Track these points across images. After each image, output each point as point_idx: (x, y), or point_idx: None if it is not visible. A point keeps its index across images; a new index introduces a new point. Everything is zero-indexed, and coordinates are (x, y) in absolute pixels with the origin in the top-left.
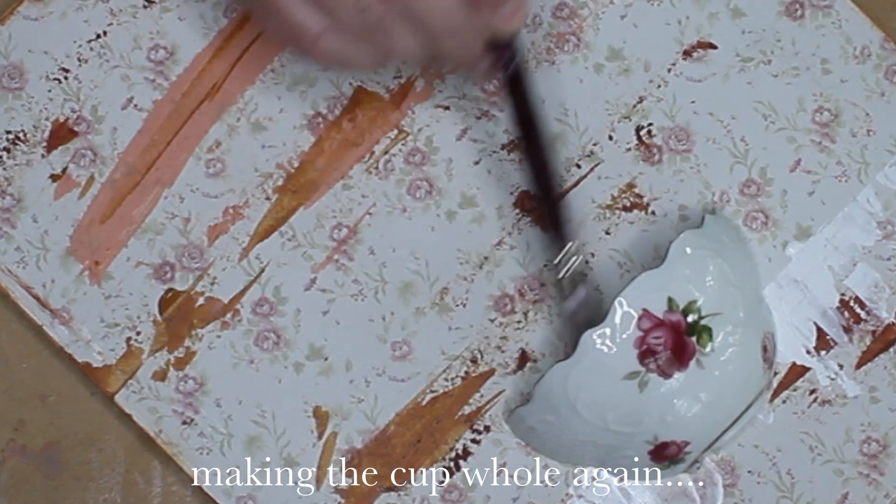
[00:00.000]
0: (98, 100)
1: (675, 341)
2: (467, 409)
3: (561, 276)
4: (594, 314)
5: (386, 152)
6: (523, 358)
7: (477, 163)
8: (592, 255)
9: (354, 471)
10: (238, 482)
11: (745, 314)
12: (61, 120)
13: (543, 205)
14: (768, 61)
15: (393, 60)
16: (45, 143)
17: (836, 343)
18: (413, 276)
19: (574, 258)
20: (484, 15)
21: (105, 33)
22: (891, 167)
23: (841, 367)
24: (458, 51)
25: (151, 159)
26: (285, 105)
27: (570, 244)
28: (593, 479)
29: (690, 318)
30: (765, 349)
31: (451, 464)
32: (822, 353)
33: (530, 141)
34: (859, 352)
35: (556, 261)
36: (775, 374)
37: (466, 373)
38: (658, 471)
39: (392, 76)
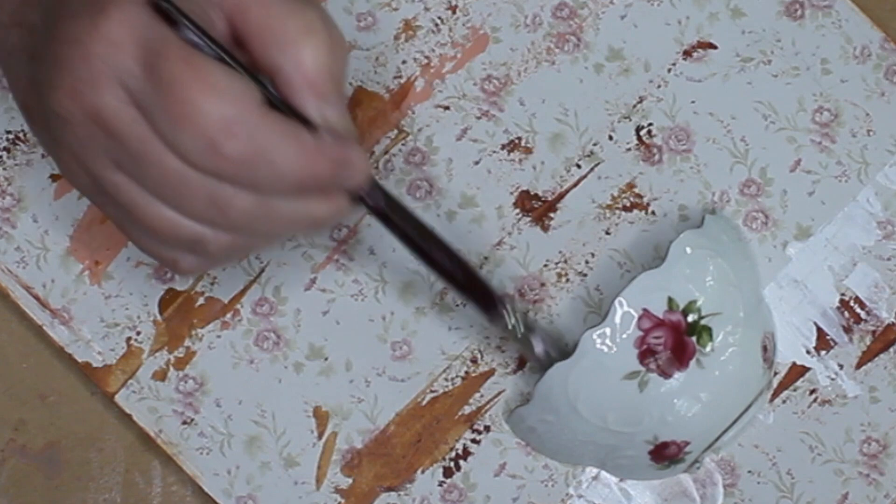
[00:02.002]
0: None
1: (675, 341)
2: (467, 409)
3: (519, 335)
4: (560, 344)
5: (386, 152)
6: (523, 358)
7: (477, 163)
8: (592, 255)
9: (354, 471)
10: (238, 482)
11: (745, 314)
12: None
13: (463, 293)
14: (768, 61)
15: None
16: None
17: (836, 343)
18: (413, 276)
19: (517, 314)
20: (328, 191)
21: None
22: (891, 167)
23: (841, 367)
24: (326, 226)
25: None
26: None
27: (507, 307)
28: (593, 478)
29: (690, 318)
30: (765, 349)
31: (451, 464)
32: (822, 353)
33: (425, 253)
34: (859, 352)
35: (507, 328)
36: (775, 374)
37: (466, 373)
38: (658, 471)
39: (392, 76)
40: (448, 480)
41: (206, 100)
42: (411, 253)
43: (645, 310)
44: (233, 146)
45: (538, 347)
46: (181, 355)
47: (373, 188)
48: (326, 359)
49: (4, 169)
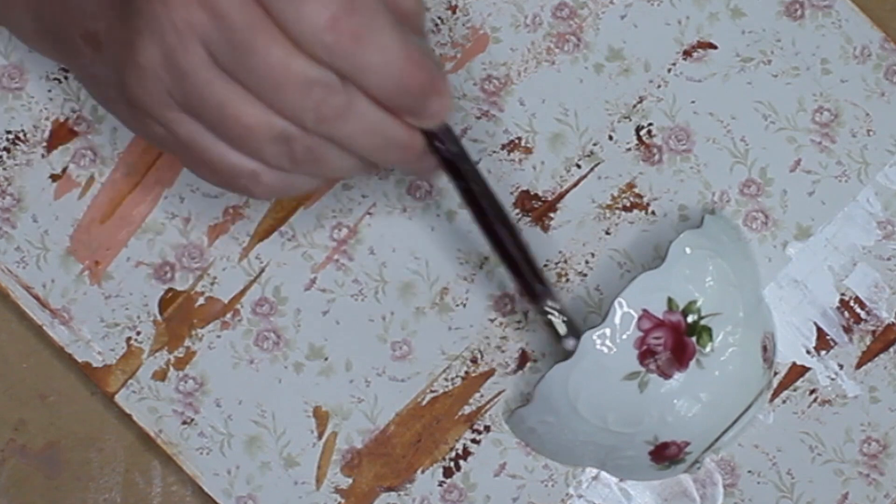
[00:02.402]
0: None
1: (675, 341)
2: (467, 409)
3: (564, 332)
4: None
5: None
6: (523, 358)
7: (477, 162)
8: (592, 255)
9: (354, 471)
10: (238, 482)
11: (745, 314)
12: (61, 120)
13: (512, 269)
14: (768, 61)
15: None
16: (45, 143)
17: (836, 343)
18: (413, 276)
19: (559, 305)
20: (410, 117)
21: None
22: (891, 167)
23: (841, 367)
24: (395, 159)
25: (151, 159)
26: None
27: (552, 299)
28: (593, 479)
29: (690, 319)
30: (765, 349)
31: (451, 464)
32: (822, 353)
33: (488, 220)
34: (859, 352)
35: (544, 315)
36: (775, 374)
37: (466, 373)
38: (658, 471)
39: None
40: (448, 480)
41: None
42: (470, 212)
43: (645, 310)
44: (353, 21)
45: (570, 342)
46: (181, 355)
47: (447, 134)
48: (326, 359)
49: (4, 169)
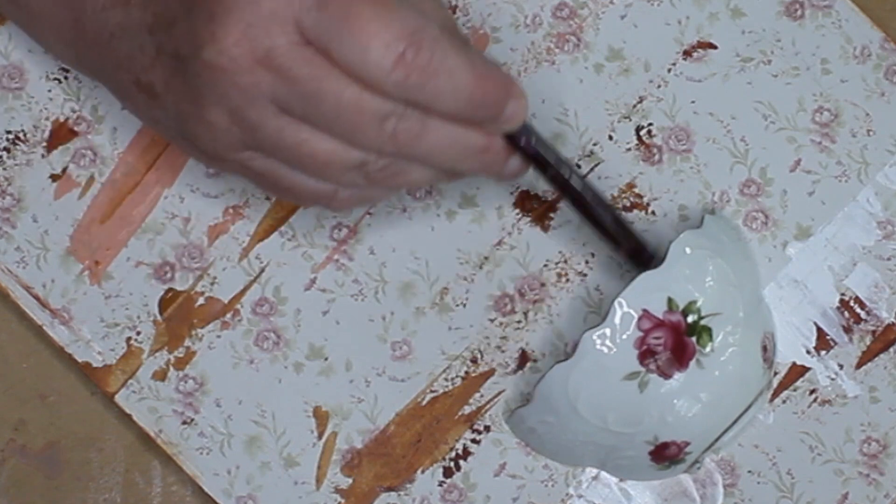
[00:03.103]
0: (98, 100)
1: (675, 341)
2: (467, 409)
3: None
4: None
5: None
6: (523, 358)
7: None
8: (592, 255)
9: (354, 471)
10: (238, 482)
11: (745, 314)
12: (61, 120)
13: (614, 243)
14: (768, 61)
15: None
16: (45, 143)
17: (836, 343)
18: (413, 276)
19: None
20: (487, 126)
21: None
22: (891, 167)
23: (841, 367)
24: (476, 167)
25: (151, 159)
26: None
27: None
28: (593, 478)
29: (690, 319)
30: (765, 349)
31: (451, 464)
32: (822, 353)
33: (585, 203)
34: (859, 352)
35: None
36: (775, 374)
37: (466, 373)
38: (658, 471)
39: None
40: (448, 480)
41: (389, 16)
42: (564, 198)
43: (645, 310)
44: (419, 56)
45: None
46: (181, 355)
47: (526, 129)
48: (326, 359)
49: (4, 169)
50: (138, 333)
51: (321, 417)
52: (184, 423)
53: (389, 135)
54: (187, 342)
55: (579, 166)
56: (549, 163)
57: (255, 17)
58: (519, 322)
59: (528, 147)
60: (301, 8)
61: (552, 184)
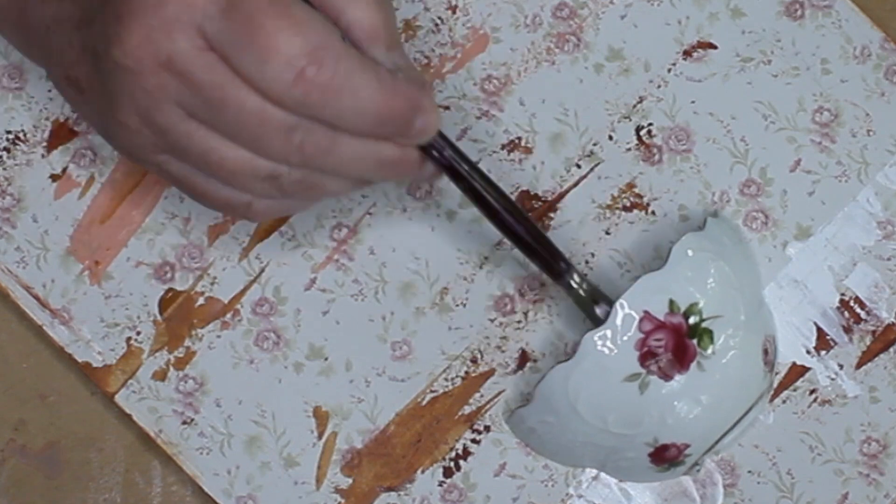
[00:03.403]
0: None
1: (676, 343)
2: (467, 409)
3: (584, 294)
4: None
5: None
6: (523, 358)
7: (477, 162)
8: (592, 255)
9: (354, 471)
10: (238, 482)
11: (747, 317)
12: (61, 120)
13: (529, 252)
14: (768, 61)
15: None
16: (45, 143)
17: (836, 343)
18: (413, 276)
19: (581, 276)
20: (398, 140)
21: None
22: (891, 167)
23: (841, 367)
24: (392, 176)
25: None
26: None
27: (572, 270)
28: (593, 479)
29: (692, 321)
30: (766, 352)
31: (451, 464)
32: (822, 353)
33: (497, 213)
34: (859, 352)
35: (570, 288)
36: (776, 374)
37: (466, 373)
38: (658, 473)
39: None
40: (448, 480)
41: (292, 30)
42: (479, 209)
43: (646, 312)
44: (320, 73)
45: (600, 310)
46: (181, 355)
47: (440, 140)
48: (326, 359)
49: (4, 169)
50: (138, 333)
51: (321, 417)
52: (184, 423)
53: (296, 147)
54: (187, 342)
55: (579, 166)
56: (462, 174)
57: (159, 20)
58: (519, 322)
59: (441, 159)
60: (204, 15)
61: (466, 194)
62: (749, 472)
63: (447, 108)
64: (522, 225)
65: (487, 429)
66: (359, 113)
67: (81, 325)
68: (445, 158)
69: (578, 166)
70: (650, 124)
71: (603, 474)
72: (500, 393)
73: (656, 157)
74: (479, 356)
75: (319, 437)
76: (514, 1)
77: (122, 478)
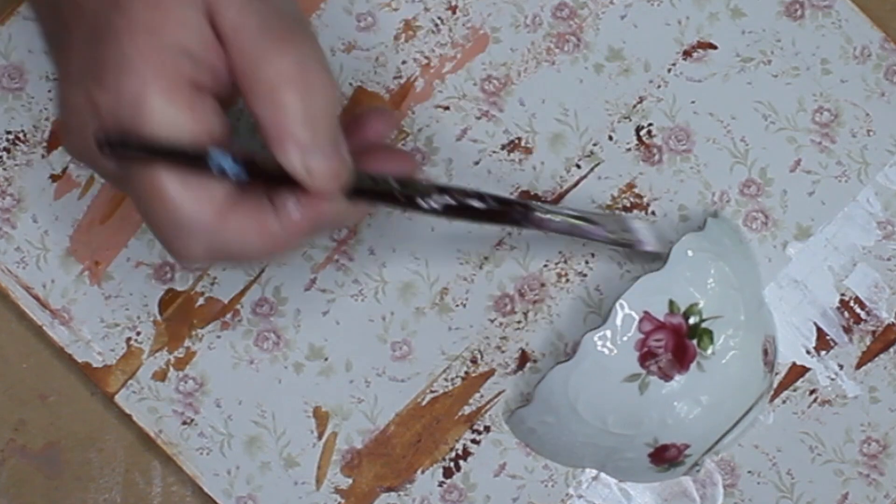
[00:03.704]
0: None
1: (676, 344)
2: (467, 409)
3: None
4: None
5: None
6: (523, 358)
7: (477, 163)
8: (592, 255)
9: (354, 471)
10: (238, 482)
11: (746, 317)
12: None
13: (505, 218)
14: (768, 61)
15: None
16: (45, 143)
17: (836, 343)
18: (413, 276)
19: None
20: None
21: None
22: (891, 167)
23: (841, 367)
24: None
25: None
26: None
27: (532, 206)
28: (593, 479)
29: (692, 321)
30: (766, 352)
31: (451, 464)
32: (822, 353)
33: (454, 209)
34: (859, 352)
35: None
36: (776, 374)
37: (466, 373)
38: (658, 473)
39: (392, 76)
40: (448, 480)
41: (162, 212)
42: (437, 216)
43: (646, 312)
44: (193, 251)
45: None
46: (181, 355)
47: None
48: (326, 359)
49: (4, 169)
50: (138, 334)
51: (321, 417)
52: (184, 423)
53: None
54: (187, 342)
55: (579, 166)
56: (395, 196)
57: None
58: (519, 322)
59: (369, 196)
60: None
61: (415, 211)
62: (749, 472)
63: (447, 108)
64: (478, 198)
65: (487, 429)
66: (248, 260)
67: (81, 325)
68: (371, 194)
69: (578, 166)
70: (650, 124)
71: (603, 474)
72: (499, 393)
73: (656, 157)
74: (478, 356)
75: (319, 437)
76: (514, 1)
77: (122, 478)
